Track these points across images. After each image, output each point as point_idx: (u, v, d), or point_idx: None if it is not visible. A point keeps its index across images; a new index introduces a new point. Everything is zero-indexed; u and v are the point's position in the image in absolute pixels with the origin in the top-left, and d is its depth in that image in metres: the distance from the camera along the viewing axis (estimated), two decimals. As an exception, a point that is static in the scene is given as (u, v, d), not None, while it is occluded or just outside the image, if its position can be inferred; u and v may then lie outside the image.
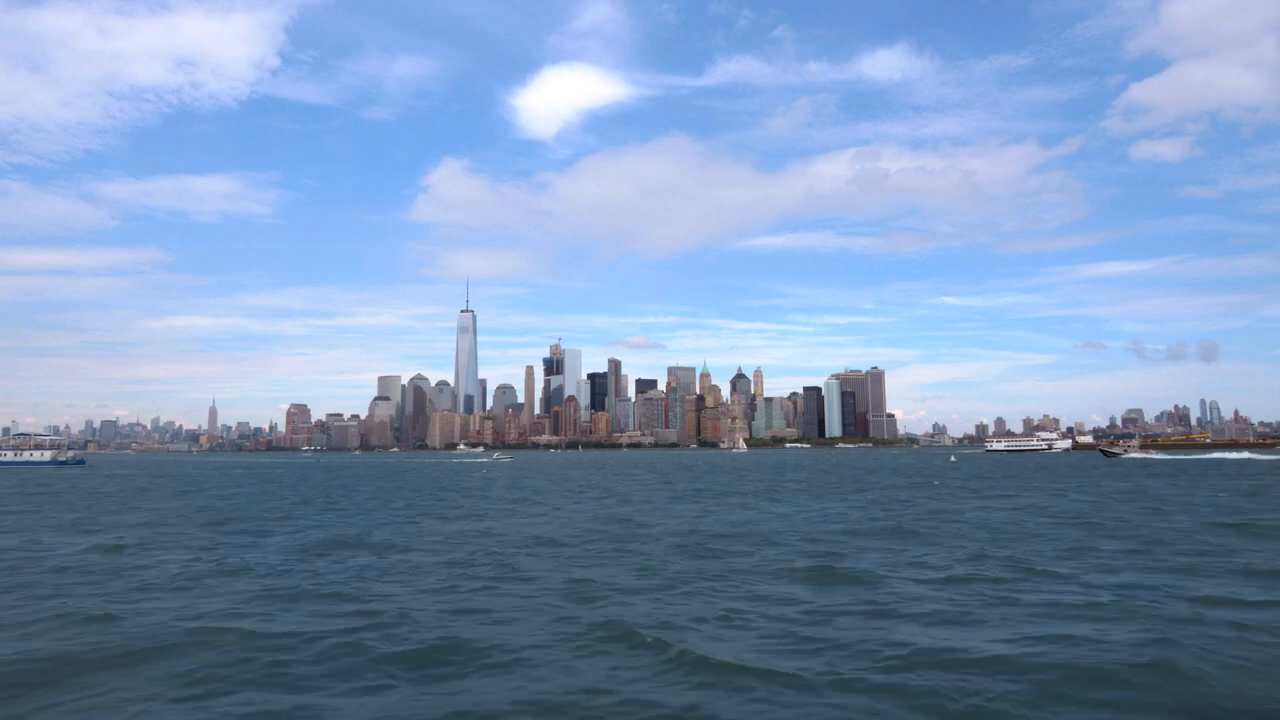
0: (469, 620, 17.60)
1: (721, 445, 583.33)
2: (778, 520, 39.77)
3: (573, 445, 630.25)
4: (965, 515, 41.31)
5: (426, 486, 77.07)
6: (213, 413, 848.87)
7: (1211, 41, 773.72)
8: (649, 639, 15.47)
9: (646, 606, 18.91)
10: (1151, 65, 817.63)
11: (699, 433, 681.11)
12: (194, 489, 74.60)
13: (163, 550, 29.63)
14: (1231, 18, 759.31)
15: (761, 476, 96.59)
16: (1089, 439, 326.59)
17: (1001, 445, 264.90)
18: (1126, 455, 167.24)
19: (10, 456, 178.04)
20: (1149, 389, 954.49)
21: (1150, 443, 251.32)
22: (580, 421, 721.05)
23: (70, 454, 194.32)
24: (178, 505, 53.33)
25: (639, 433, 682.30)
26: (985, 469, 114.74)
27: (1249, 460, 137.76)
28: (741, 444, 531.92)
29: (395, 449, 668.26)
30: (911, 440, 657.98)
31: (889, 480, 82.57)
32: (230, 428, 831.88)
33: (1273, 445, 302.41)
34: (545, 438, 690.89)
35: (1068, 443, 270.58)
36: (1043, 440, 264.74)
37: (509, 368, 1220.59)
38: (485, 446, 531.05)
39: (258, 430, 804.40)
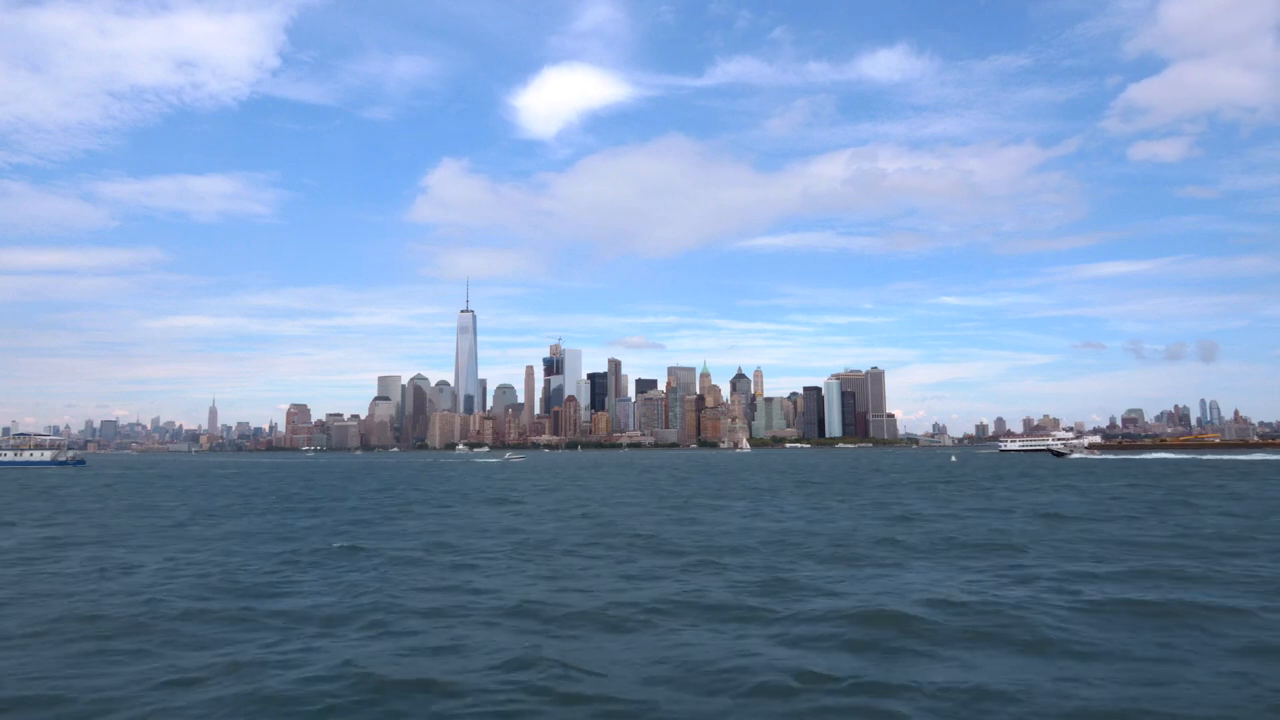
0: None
1: (722, 445, 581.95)
2: (713, 521, 39.35)
3: (573, 445, 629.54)
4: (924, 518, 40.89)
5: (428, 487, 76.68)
6: (213, 413, 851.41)
7: (1209, 42, 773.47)
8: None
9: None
10: (1150, 66, 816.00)
11: (699, 433, 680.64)
12: (177, 490, 74.35)
13: (79, 549, 29.35)
14: (1229, 18, 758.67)
15: (750, 477, 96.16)
16: (1096, 439, 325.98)
17: (1015, 445, 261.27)
18: (1072, 455, 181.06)
19: (10, 456, 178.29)
20: (1149, 389, 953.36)
21: (1100, 444, 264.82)
22: (580, 421, 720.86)
23: (70, 454, 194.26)
24: (149, 504, 53.12)
25: (639, 433, 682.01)
26: (983, 469, 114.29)
27: (1185, 460, 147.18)
28: (745, 444, 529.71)
29: (395, 449, 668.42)
30: (912, 440, 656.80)
31: (878, 481, 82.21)
32: (230, 428, 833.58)
33: (1274, 445, 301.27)
34: (545, 438, 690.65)
35: (1083, 443, 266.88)
36: (1057, 440, 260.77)
37: (509, 368, 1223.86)
38: (489, 447, 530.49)
39: (258, 430, 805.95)
